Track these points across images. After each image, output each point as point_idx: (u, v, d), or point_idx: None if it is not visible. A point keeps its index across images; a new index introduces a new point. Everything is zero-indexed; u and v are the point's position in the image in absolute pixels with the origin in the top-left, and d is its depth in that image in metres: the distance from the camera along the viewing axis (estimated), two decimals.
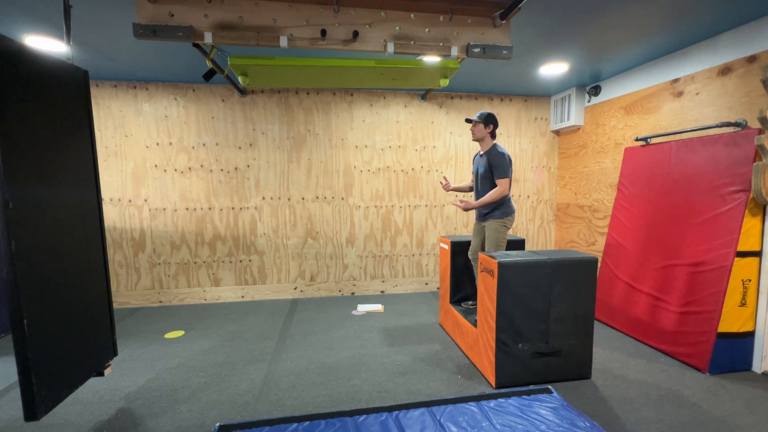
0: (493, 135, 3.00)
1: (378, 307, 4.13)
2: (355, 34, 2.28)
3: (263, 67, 2.63)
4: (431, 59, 2.67)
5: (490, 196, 2.88)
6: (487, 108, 4.68)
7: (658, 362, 2.82)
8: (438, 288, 4.78)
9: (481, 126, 2.95)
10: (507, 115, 4.74)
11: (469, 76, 3.90)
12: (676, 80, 3.23)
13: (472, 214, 4.80)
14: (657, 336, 3.01)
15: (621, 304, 3.41)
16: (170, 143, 4.13)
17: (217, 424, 2.00)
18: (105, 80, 3.96)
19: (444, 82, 2.86)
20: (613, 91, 3.95)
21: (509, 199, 3.00)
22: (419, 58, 2.63)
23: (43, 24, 2.61)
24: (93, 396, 2.42)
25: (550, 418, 2.02)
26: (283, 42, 2.24)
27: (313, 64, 2.54)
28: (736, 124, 2.70)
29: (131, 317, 3.89)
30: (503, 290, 2.39)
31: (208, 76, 2.78)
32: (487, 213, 3.02)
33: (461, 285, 3.43)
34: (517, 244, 3.44)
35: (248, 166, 4.29)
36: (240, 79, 2.77)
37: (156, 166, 4.14)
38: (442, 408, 2.13)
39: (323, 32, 2.25)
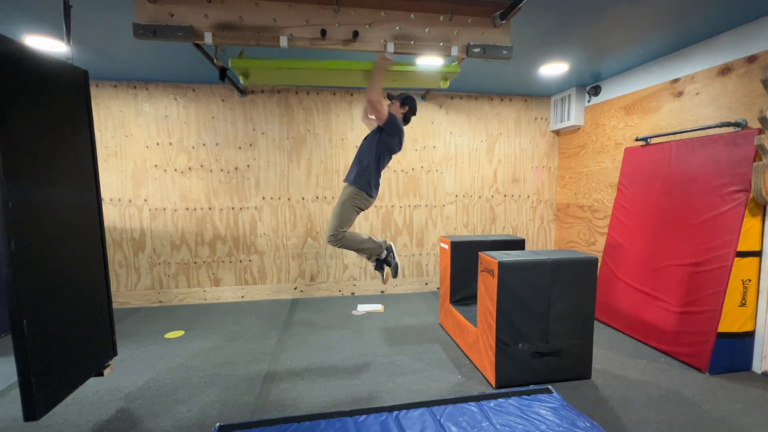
0: (405, 118, 2.85)
1: (378, 307, 4.13)
2: (355, 34, 2.28)
3: (265, 69, 2.65)
4: (432, 65, 2.68)
5: (378, 77, 2.48)
6: (486, 108, 4.68)
7: (658, 362, 2.82)
8: (438, 288, 4.77)
9: (397, 105, 2.83)
10: (507, 115, 4.74)
11: (469, 76, 3.90)
12: (676, 80, 3.23)
13: (472, 214, 4.81)
14: (657, 336, 3.01)
15: (621, 304, 3.41)
16: (170, 143, 4.13)
17: (217, 424, 2.00)
18: (105, 80, 3.96)
19: (444, 84, 2.86)
20: (613, 91, 3.95)
21: (373, 175, 2.72)
22: (420, 66, 2.65)
23: (43, 24, 2.61)
24: (93, 396, 2.42)
25: (550, 418, 2.02)
26: (283, 42, 2.24)
27: (314, 66, 2.55)
28: (736, 124, 2.70)
29: (131, 317, 3.89)
30: (503, 290, 2.39)
31: (222, 75, 2.77)
32: (352, 173, 2.77)
33: (461, 285, 3.43)
34: (517, 244, 3.44)
35: (248, 166, 4.29)
36: (240, 79, 2.78)
37: (156, 166, 4.14)
38: (442, 408, 2.13)
39: (323, 32, 2.26)
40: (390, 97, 2.90)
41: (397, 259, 2.88)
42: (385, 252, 2.83)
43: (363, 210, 2.79)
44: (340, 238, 2.69)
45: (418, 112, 4.49)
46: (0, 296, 3.39)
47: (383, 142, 2.71)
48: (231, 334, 3.41)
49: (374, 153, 2.71)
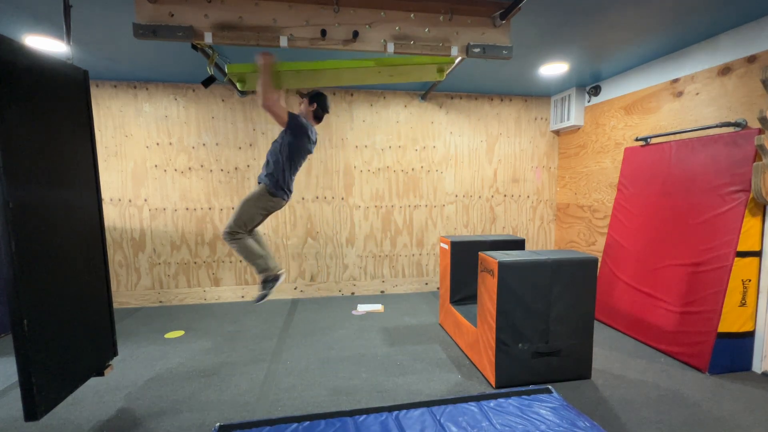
0: (316, 116, 2.77)
1: (378, 307, 4.13)
2: (355, 34, 2.28)
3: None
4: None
5: (264, 79, 2.37)
6: (486, 108, 4.68)
7: (658, 362, 2.82)
8: (438, 288, 4.77)
9: (306, 102, 2.76)
10: (507, 115, 4.74)
11: (469, 76, 3.90)
12: (676, 80, 3.23)
13: (472, 214, 4.81)
14: (657, 336, 3.01)
15: (621, 304, 3.41)
16: (170, 143, 4.13)
17: (217, 424, 2.00)
18: (105, 80, 3.96)
19: (440, 76, 2.82)
20: (613, 91, 3.95)
21: (282, 177, 2.64)
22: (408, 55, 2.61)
23: (43, 24, 2.61)
24: (93, 396, 2.42)
25: (550, 418, 2.02)
26: (283, 42, 2.23)
27: (311, 67, 2.54)
28: (736, 124, 2.70)
29: (131, 317, 3.89)
30: (503, 290, 2.39)
31: (207, 83, 2.77)
32: (262, 172, 2.71)
33: (461, 285, 3.43)
34: (517, 244, 3.44)
35: (248, 166, 4.29)
36: (238, 85, 2.78)
37: (156, 166, 4.14)
38: (442, 408, 2.13)
39: (323, 32, 2.25)
40: (301, 94, 2.83)
41: (271, 292, 2.71)
42: (271, 276, 2.70)
43: (270, 212, 2.70)
44: (237, 239, 2.59)
45: (417, 113, 4.54)
46: (0, 296, 3.40)
47: (291, 143, 2.62)
48: (231, 334, 3.41)
49: (284, 154, 2.63)
